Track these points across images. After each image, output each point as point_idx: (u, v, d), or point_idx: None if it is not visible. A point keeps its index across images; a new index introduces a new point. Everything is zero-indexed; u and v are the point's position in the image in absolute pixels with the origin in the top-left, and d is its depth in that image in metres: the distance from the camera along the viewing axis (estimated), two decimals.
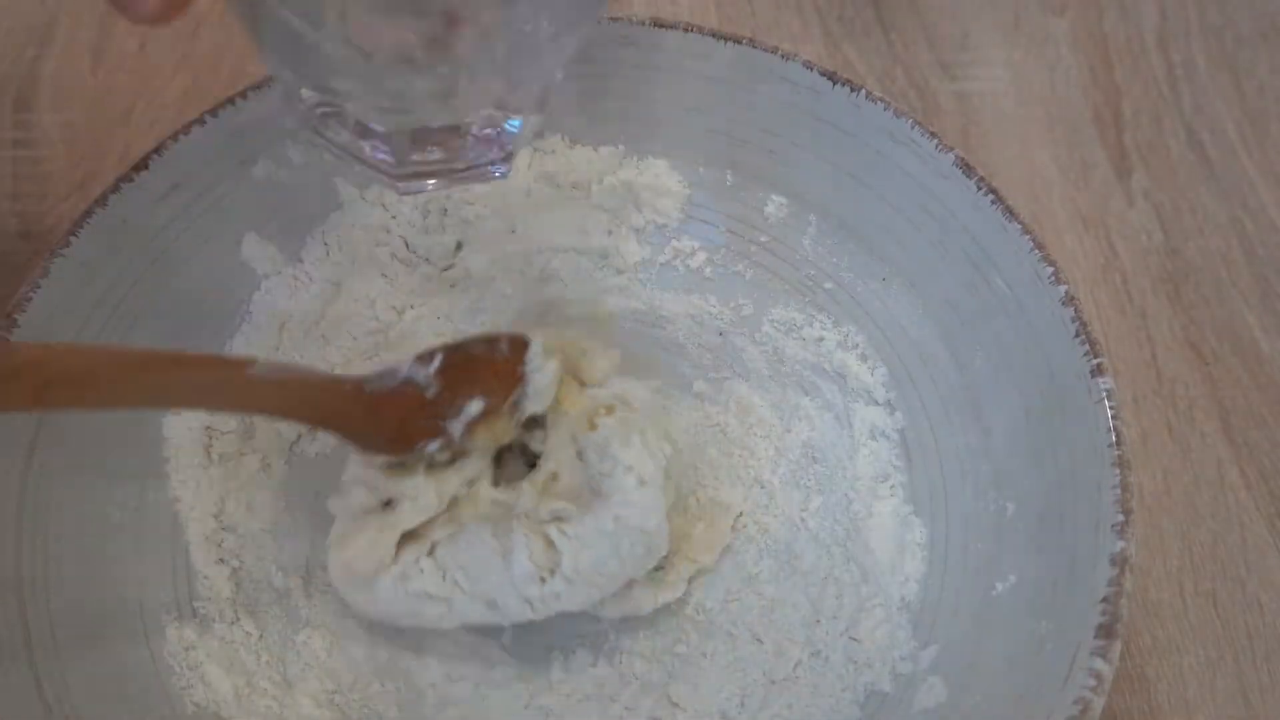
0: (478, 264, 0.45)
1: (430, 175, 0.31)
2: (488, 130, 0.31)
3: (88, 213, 0.37)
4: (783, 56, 0.41)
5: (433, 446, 0.36)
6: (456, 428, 0.36)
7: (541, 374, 0.38)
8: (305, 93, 0.30)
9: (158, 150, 0.38)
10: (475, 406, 0.36)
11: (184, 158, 0.39)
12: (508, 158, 0.32)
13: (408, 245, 0.44)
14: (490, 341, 0.38)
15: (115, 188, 0.37)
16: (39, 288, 0.35)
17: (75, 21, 0.55)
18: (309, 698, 0.37)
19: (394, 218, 0.44)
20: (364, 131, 0.30)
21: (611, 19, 0.42)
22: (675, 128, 0.44)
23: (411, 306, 0.45)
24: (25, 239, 0.48)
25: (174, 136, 0.39)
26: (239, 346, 0.41)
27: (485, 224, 0.45)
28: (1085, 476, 0.33)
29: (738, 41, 0.41)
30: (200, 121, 0.39)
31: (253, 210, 0.41)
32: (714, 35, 0.41)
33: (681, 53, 0.42)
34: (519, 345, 0.38)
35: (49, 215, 0.49)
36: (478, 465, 0.38)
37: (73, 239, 0.36)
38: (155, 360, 0.29)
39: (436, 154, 0.31)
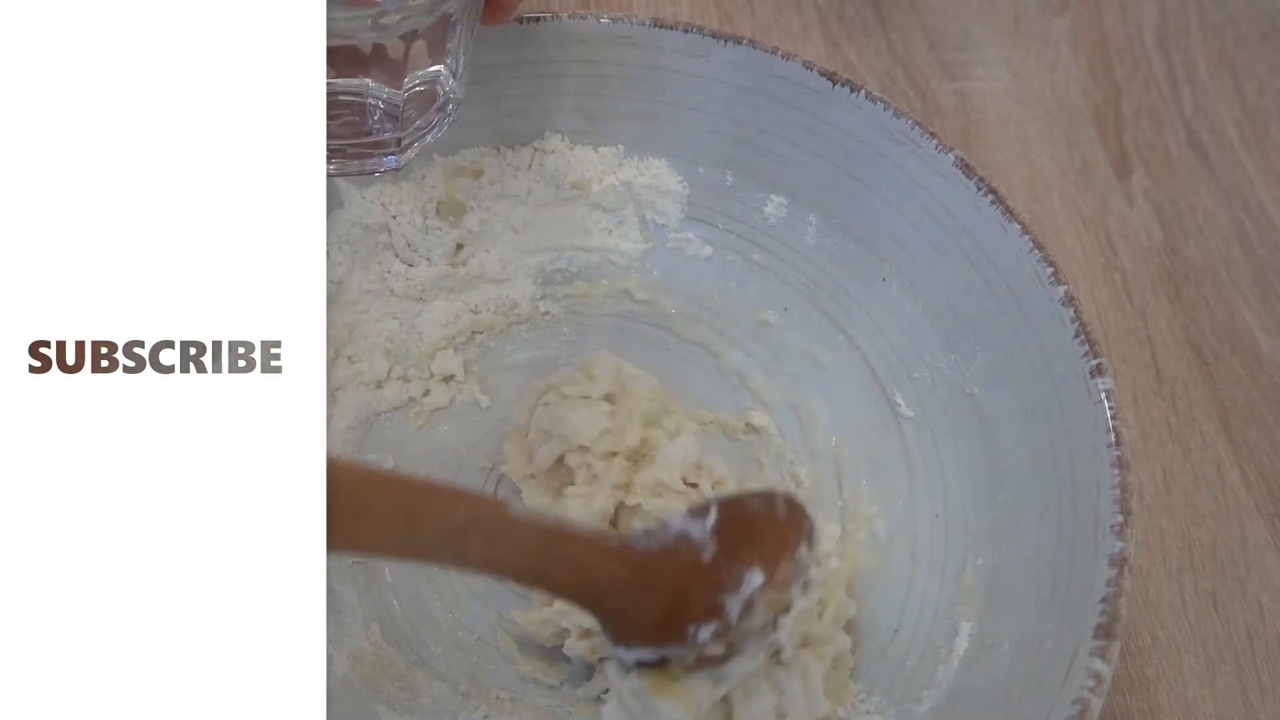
0: (490, 264, 0.45)
1: (325, 159, 0.31)
2: (389, 103, 0.31)
3: None
4: (783, 56, 0.41)
5: (706, 633, 0.27)
6: (735, 606, 0.27)
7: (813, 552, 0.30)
8: None
9: None
10: (756, 578, 0.27)
11: None
12: (402, 147, 0.33)
13: (409, 245, 0.44)
14: (767, 498, 0.30)
15: None
16: None
17: None
18: None
19: (394, 217, 0.44)
20: None
21: (611, 19, 0.42)
22: (675, 128, 0.44)
23: (421, 300, 0.45)
24: None
25: None
26: None
27: (487, 225, 0.45)
28: (1085, 476, 0.33)
29: (738, 41, 0.41)
30: None
31: None
32: (714, 35, 0.41)
33: (681, 53, 0.42)
34: (796, 507, 0.30)
35: None
36: (747, 667, 0.29)
37: None
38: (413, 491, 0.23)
39: (334, 129, 0.31)
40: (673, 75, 0.43)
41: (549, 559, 0.24)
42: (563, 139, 0.45)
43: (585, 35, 0.42)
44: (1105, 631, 0.30)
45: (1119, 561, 0.31)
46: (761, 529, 0.29)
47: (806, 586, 0.29)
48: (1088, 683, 0.29)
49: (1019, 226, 0.37)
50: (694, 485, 0.38)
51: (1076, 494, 0.34)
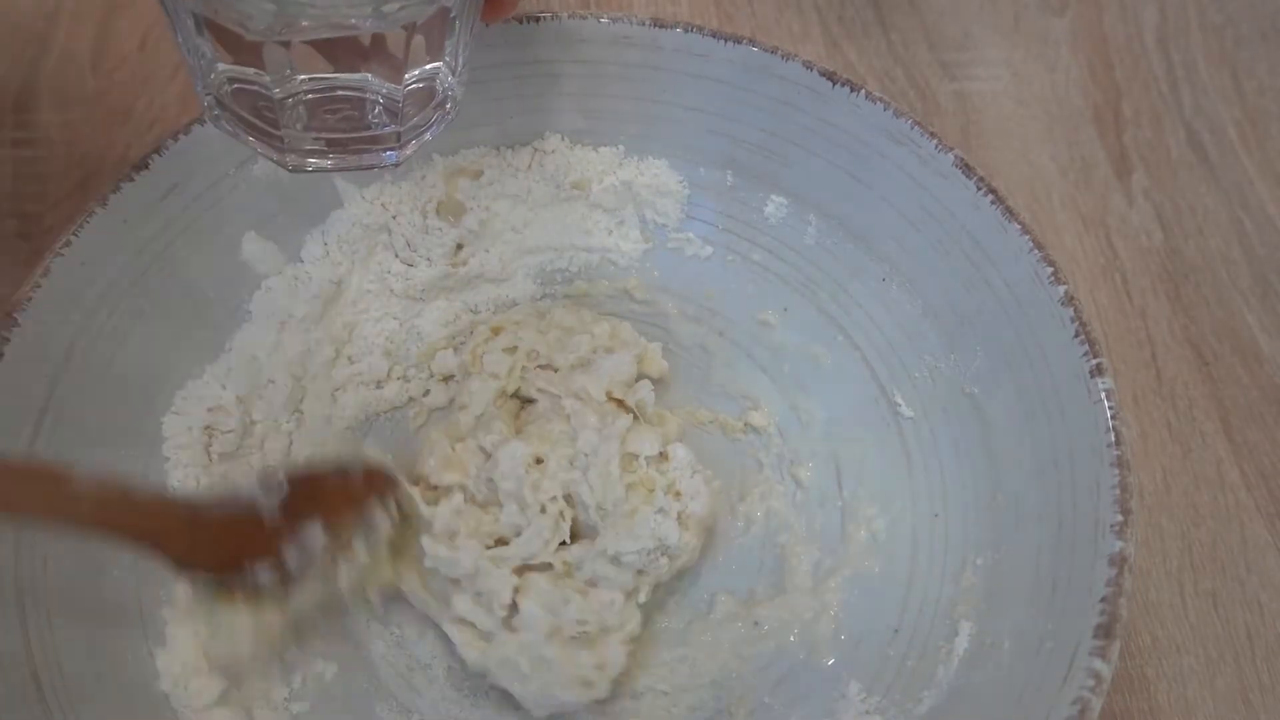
0: (490, 264, 0.45)
1: (323, 153, 0.32)
2: (388, 98, 0.31)
3: (88, 213, 0.37)
4: (783, 56, 0.41)
5: (262, 571, 0.34)
6: (293, 553, 0.34)
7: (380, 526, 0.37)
8: (220, 67, 0.30)
9: (158, 150, 0.38)
10: (316, 532, 0.35)
11: (184, 158, 0.39)
12: (401, 143, 0.33)
13: (409, 245, 0.44)
14: (341, 470, 0.37)
15: (115, 188, 0.37)
16: (39, 287, 0.35)
17: (75, 21, 0.55)
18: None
19: (394, 217, 0.44)
20: (267, 106, 0.31)
21: (611, 19, 0.42)
22: (675, 128, 0.44)
23: (421, 300, 0.45)
24: (25, 239, 0.48)
25: (174, 136, 0.39)
26: (236, 343, 0.41)
27: (487, 224, 0.45)
28: (1085, 476, 0.33)
29: (738, 41, 0.41)
30: (200, 121, 0.39)
31: (253, 210, 0.41)
32: (714, 35, 0.41)
33: (681, 53, 0.42)
34: (376, 476, 0.37)
35: (49, 215, 0.49)
36: (308, 596, 0.36)
37: (73, 239, 0.36)
38: None
39: (334, 124, 0.31)
40: (673, 75, 0.43)
41: (111, 518, 0.30)
42: (563, 139, 0.45)
43: (585, 35, 0.42)
44: (1105, 631, 0.30)
45: (1119, 561, 0.31)
46: (330, 494, 0.36)
47: (370, 536, 0.36)
48: (1088, 682, 0.29)
49: (1019, 226, 0.37)
50: (619, 401, 0.41)
51: (1076, 494, 0.34)
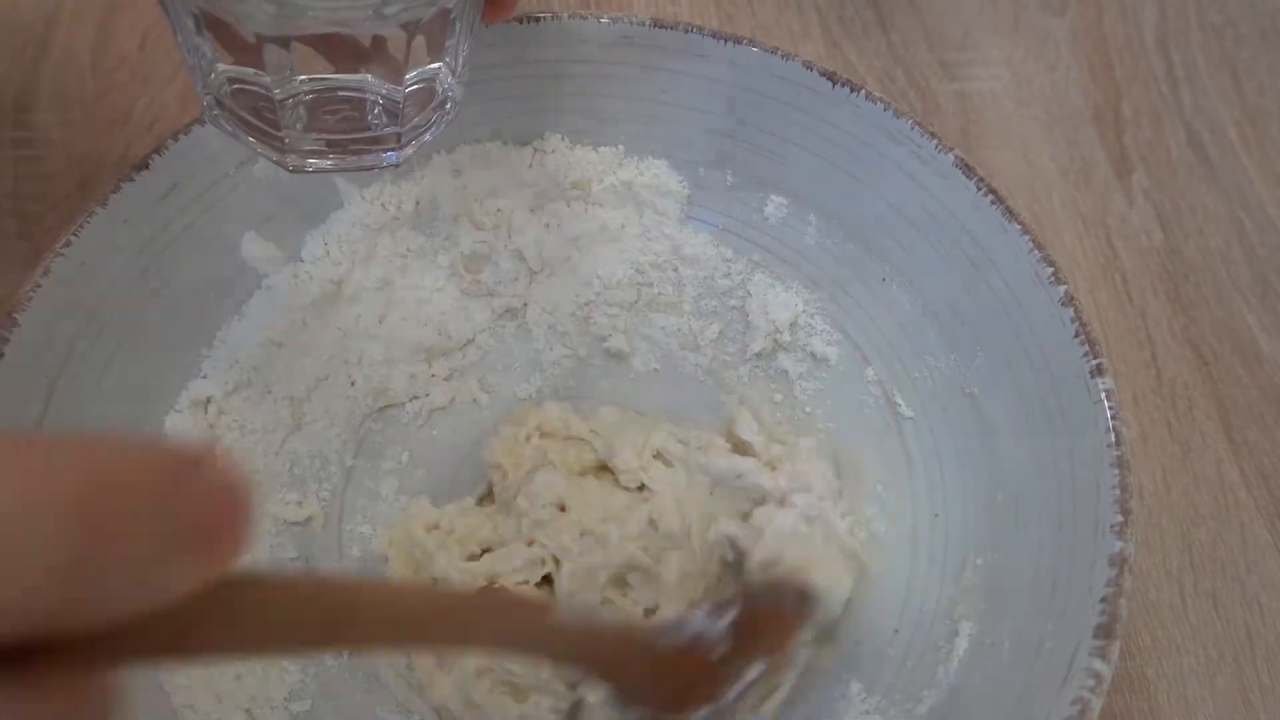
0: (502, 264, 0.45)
1: (323, 154, 0.32)
2: (388, 99, 0.31)
3: (88, 213, 0.37)
4: (783, 56, 0.41)
5: (702, 712, 0.32)
6: (733, 692, 0.32)
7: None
8: (220, 67, 0.30)
9: (158, 150, 0.38)
10: (756, 672, 0.32)
11: (184, 158, 0.39)
12: (401, 143, 0.33)
13: (409, 244, 0.44)
14: (778, 593, 0.35)
15: (115, 188, 0.37)
16: (39, 287, 0.35)
17: (75, 21, 0.55)
18: None
19: (396, 217, 0.44)
20: (267, 107, 0.31)
21: (611, 19, 0.42)
22: (675, 128, 0.44)
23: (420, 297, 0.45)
24: (25, 239, 0.48)
25: (174, 136, 0.39)
26: (237, 343, 0.41)
27: (487, 225, 0.45)
28: (1085, 476, 0.33)
29: (738, 41, 0.41)
30: (200, 121, 0.39)
31: (253, 210, 0.41)
32: (714, 35, 0.41)
33: (681, 53, 0.42)
34: (805, 596, 0.35)
35: (49, 215, 0.49)
36: None
37: (73, 239, 0.36)
38: (465, 605, 0.27)
39: (334, 124, 0.31)
40: (673, 75, 0.43)
41: (580, 653, 0.29)
42: (563, 139, 0.45)
43: (585, 35, 0.42)
44: (1105, 631, 0.30)
45: (1119, 561, 0.31)
46: (770, 623, 0.33)
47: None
48: (1088, 682, 0.29)
49: (1019, 226, 0.37)
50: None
51: (1076, 494, 0.33)
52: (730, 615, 0.32)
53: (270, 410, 0.42)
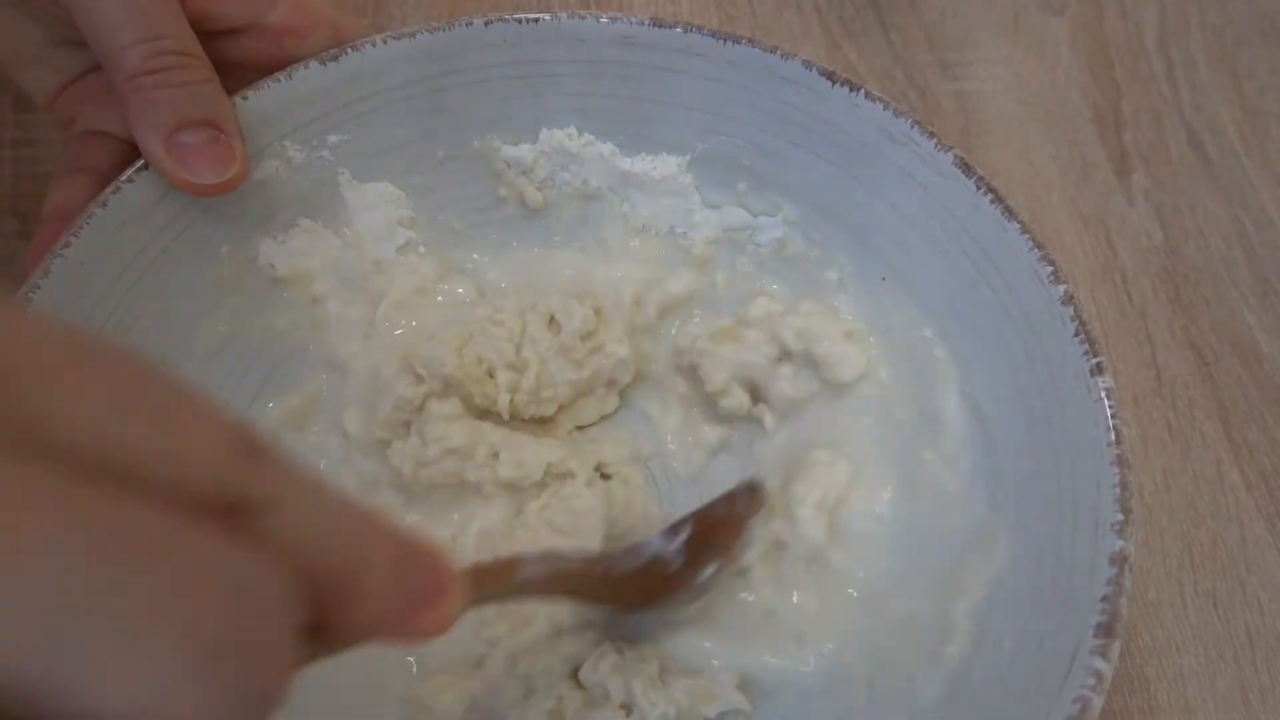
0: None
1: None
2: None
3: (88, 213, 0.37)
4: (783, 56, 0.41)
5: (668, 602, 0.37)
6: (694, 583, 0.37)
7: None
8: None
9: None
10: (711, 571, 0.37)
11: None
12: None
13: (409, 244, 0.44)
14: (729, 500, 0.38)
15: (115, 188, 0.37)
16: (39, 288, 0.35)
17: None
18: None
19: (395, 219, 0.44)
20: None
21: (611, 19, 0.42)
22: (675, 128, 0.44)
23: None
24: (25, 239, 0.48)
25: None
26: (241, 343, 0.41)
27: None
28: (1085, 476, 0.33)
29: (738, 41, 0.41)
30: None
31: (253, 210, 0.41)
32: (714, 35, 0.41)
33: (681, 52, 0.42)
34: (755, 493, 0.38)
35: None
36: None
37: (72, 239, 0.36)
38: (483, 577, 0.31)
39: None
40: (672, 75, 0.43)
41: (552, 588, 0.34)
42: (563, 138, 0.45)
43: (585, 35, 0.42)
44: (1106, 630, 0.30)
45: (1119, 560, 0.31)
46: (722, 527, 0.37)
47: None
48: (1088, 681, 0.29)
49: (1018, 225, 0.37)
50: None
51: (1076, 493, 0.33)
52: (684, 535, 0.36)
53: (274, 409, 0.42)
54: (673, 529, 0.37)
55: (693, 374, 0.43)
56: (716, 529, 0.37)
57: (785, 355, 0.42)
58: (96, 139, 0.40)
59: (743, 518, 0.38)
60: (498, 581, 0.31)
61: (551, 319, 0.42)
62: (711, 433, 0.44)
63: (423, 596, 0.22)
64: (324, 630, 0.20)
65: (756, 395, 0.42)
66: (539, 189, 0.45)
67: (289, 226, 0.42)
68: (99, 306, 0.37)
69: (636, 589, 0.36)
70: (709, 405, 0.43)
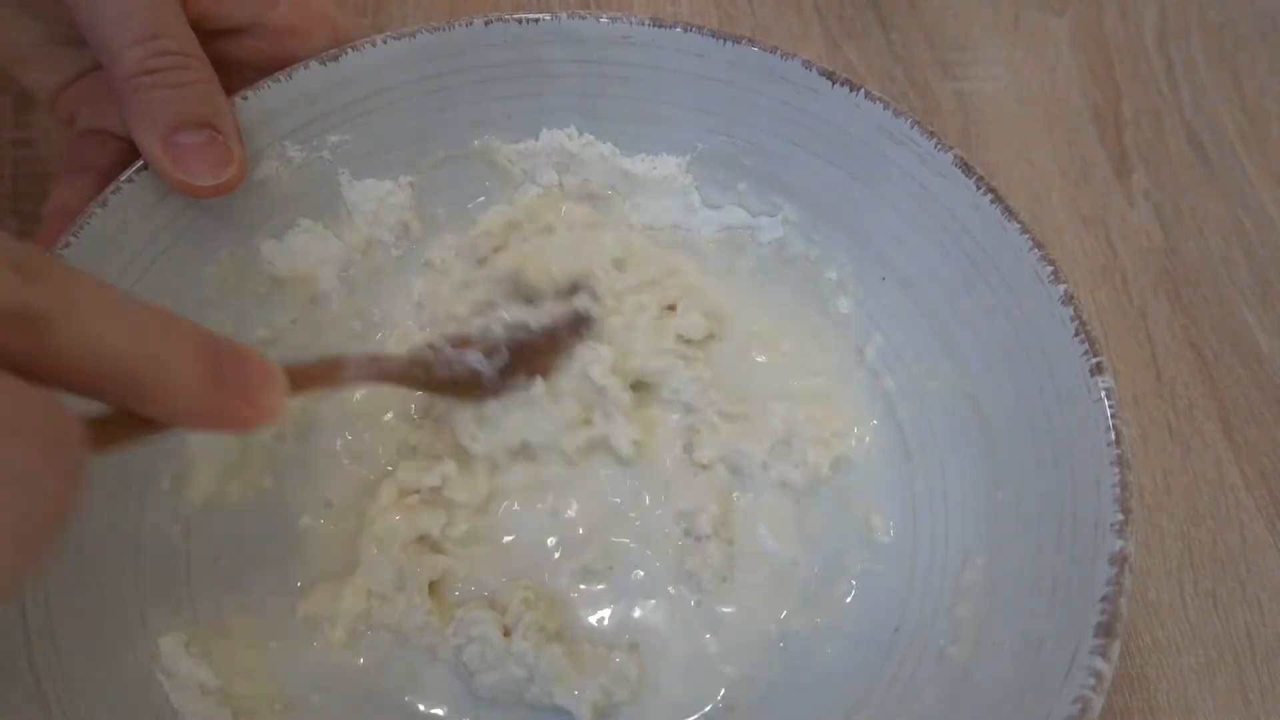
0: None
1: None
2: None
3: (88, 213, 0.37)
4: (782, 56, 0.41)
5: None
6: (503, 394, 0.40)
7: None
8: None
9: None
10: (525, 384, 0.40)
11: None
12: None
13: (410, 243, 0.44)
14: (554, 328, 0.41)
15: (116, 187, 0.37)
16: None
17: None
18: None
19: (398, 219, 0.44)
20: None
21: (611, 19, 0.42)
22: (675, 128, 0.44)
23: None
24: (25, 239, 0.48)
25: None
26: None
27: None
28: (1085, 476, 0.33)
29: (738, 41, 0.41)
30: None
31: (252, 210, 0.41)
32: (714, 35, 0.41)
33: (681, 53, 0.42)
34: (579, 321, 0.41)
35: None
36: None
37: (73, 239, 0.36)
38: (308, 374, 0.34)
39: None
40: (672, 75, 0.43)
41: (378, 378, 0.37)
42: (563, 138, 0.45)
43: (585, 35, 0.42)
44: (1106, 630, 0.30)
45: (1119, 560, 0.31)
46: (540, 348, 0.40)
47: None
48: (1088, 681, 0.29)
49: (1018, 225, 0.37)
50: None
51: (1076, 493, 0.33)
52: (505, 358, 0.39)
53: None
54: (497, 349, 0.39)
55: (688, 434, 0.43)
56: (539, 351, 0.40)
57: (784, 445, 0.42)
58: (97, 137, 0.40)
59: (565, 343, 0.41)
60: (322, 377, 0.34)
61: None
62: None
63: (240, 388, 0.26)
64: (138, 421, 0.24)
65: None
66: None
67: (289, 226, 0.42)
68: None
69: (451, 389, 0.40)
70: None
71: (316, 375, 0.34)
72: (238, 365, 0.26)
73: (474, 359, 0.39)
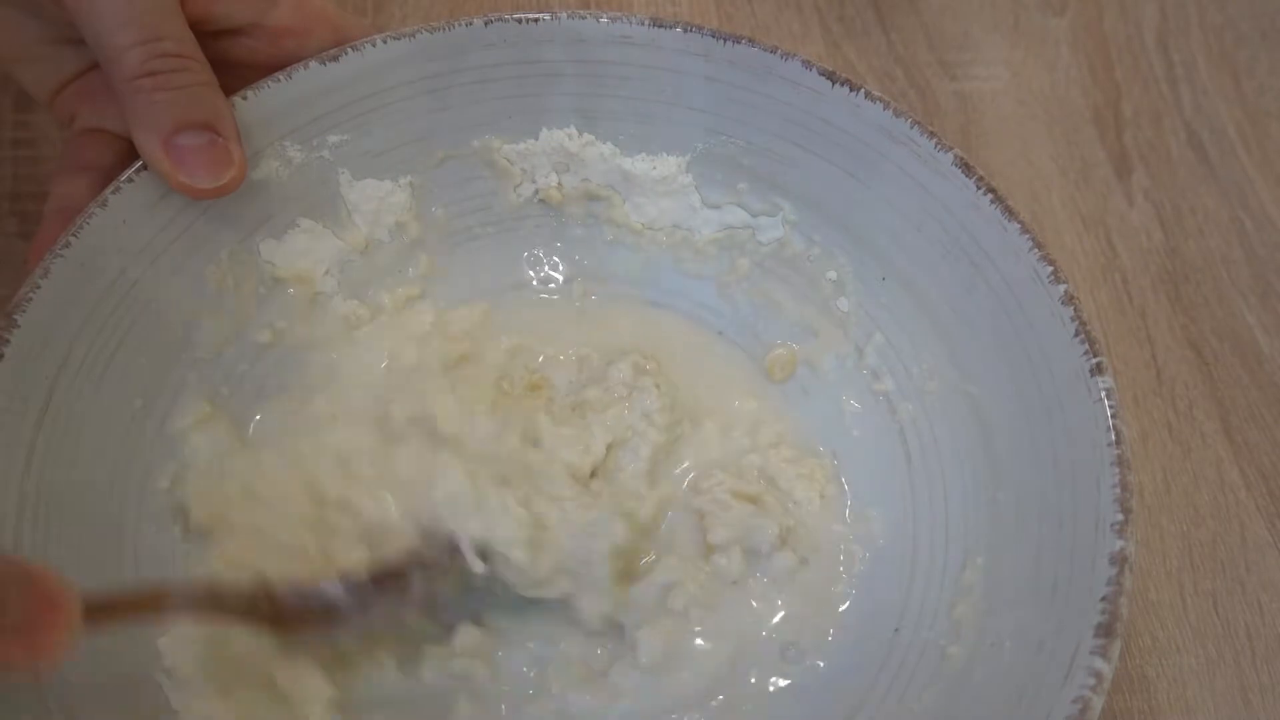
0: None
1: None
2: None
3: (88, 212, 0.37)
4: (782, 56, 0.41)
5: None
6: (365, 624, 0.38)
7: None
8: None
9: None
10: (385, 611, 0.38)
11: None
12: None
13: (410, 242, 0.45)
14: (415, 552, 0.38)
15: (116, 187, 0.37)
16: (39, 287, 0.35)
17: None
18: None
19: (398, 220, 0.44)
20: None
21: (611, 18, 0.42)
22: (675, 128, 0.44)
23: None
24: (25, 239, 0.48)
25: None
26: (240, 343, 0.41)
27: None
28: (1085, 476, 0.33)
29: (737, 41, 0.41)
30: None
31: (252, 210, 0.41)
32: (714, 35, 0.41)
33: (681, 52, 0.42)
34: (441, 551, 0.38)
35: None
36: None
37: (73, 239, 0.36)
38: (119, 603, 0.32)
39: None
40: (672, 75, 0.43)
41: (212, 611, 0.34)
42: (565, 137, 0.45)
43: (585, 35, 0.42)
44: (1106, 630, 0.30)
45: (1120, 560, 0.31)
46: (404, 576, 0.37)
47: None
48: (1088, 681, 0.29)
49: (1018, 225, 0.37)
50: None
51: (1076, 493, 0.33)
52: (363, 588, 0.37)
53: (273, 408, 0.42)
54: (354, 580, 0.37)
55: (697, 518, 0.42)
56: (398, 577, 0.38)
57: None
58: (97, 136, 0.40)
59: (424, 567, 0.38)
60: (137, 607, 0.31)
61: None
62: None
63: (13, 624, 0.23)
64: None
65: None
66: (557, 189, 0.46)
67: (289, 226, 0.42)
68: (99, 306, 0.37)
69: (302, 623, 0.36)
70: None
71: (129, 605, 0.31)
72: (27, 599, 0.23)
73: (330, 586, 0.36)
